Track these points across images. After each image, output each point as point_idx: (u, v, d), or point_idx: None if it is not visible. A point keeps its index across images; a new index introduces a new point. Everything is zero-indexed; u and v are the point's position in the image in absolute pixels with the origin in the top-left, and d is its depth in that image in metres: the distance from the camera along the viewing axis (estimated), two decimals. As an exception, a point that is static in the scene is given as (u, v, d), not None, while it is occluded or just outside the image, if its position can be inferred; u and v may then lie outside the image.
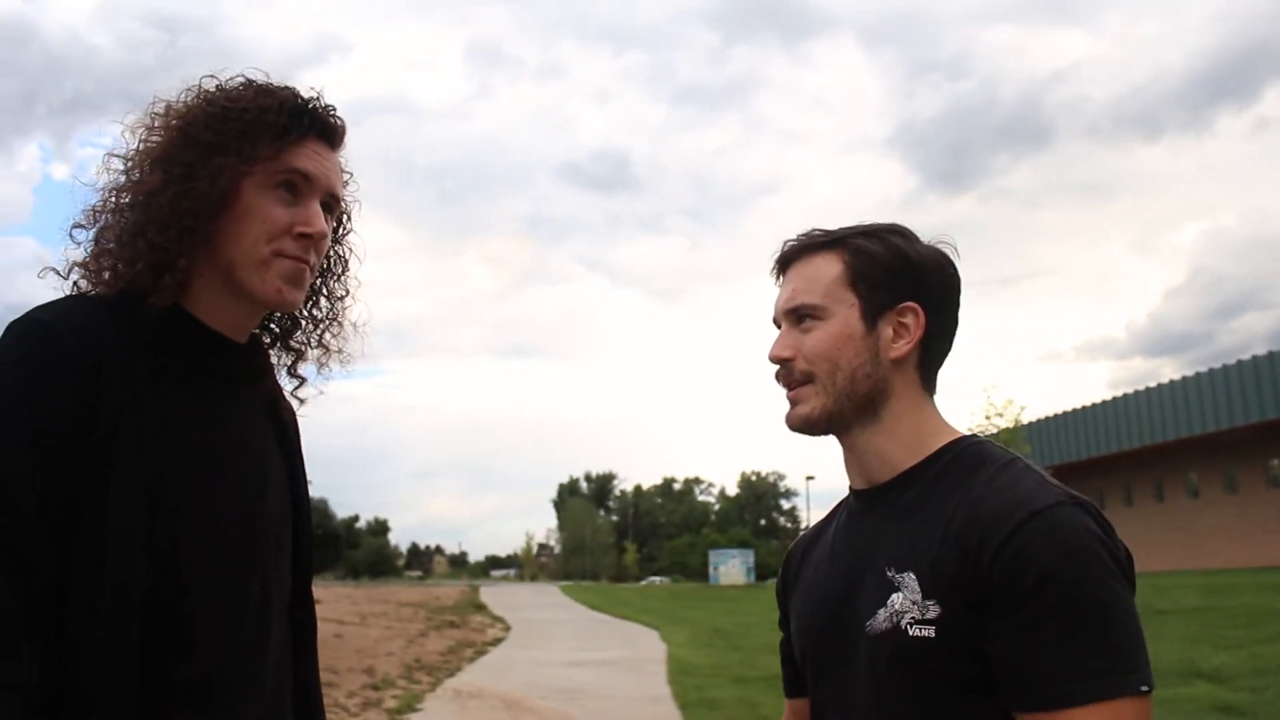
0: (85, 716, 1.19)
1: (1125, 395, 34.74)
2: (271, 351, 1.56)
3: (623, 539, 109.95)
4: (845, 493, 1.56)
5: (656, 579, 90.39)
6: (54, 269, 1.40)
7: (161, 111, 1.41)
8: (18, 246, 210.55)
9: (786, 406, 1.47)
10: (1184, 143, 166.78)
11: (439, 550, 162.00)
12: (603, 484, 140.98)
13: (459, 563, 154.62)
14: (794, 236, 1.51)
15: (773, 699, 9.27)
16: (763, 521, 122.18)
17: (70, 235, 1.41)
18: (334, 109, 1.46)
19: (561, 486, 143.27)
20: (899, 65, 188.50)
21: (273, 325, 1.57)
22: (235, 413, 1.43)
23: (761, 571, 67.47)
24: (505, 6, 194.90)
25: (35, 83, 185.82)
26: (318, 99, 1.45)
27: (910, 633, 1.30)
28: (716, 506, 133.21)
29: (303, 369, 1.57)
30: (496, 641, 19.88)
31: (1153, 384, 33.64)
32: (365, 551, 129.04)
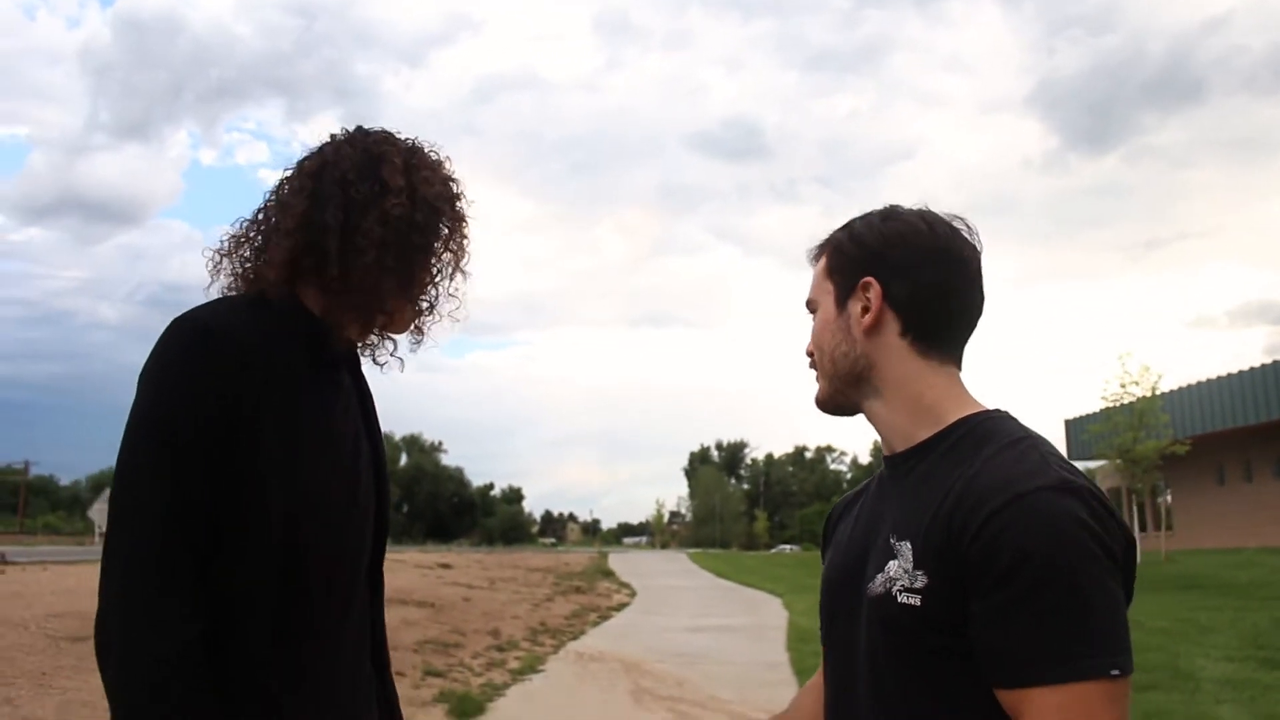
0: (233, 652, 1.44)
1: (1276, 362, 33.12)
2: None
3: (753, 507, 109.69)
4: None
5: (786, 547, 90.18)
6: (217, 251, 1.66)
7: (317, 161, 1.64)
8: (170, 229, 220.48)
9: None
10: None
11: (572, 518, 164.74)
12: (734, 452, 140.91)
13: (591, 530, 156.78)
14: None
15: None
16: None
17: (231, 240, 1.66)
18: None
19: (693, 455, 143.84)
20: (1038, 20, 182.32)
21: None
22: (339, 397, 1.65)
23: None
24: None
25: (183, 73, 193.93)
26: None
27: (899, 600, 1.36)
28: (849, 475, 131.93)
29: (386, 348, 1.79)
30: (621, 607, 20.18)
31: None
32: (500, 519, 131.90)
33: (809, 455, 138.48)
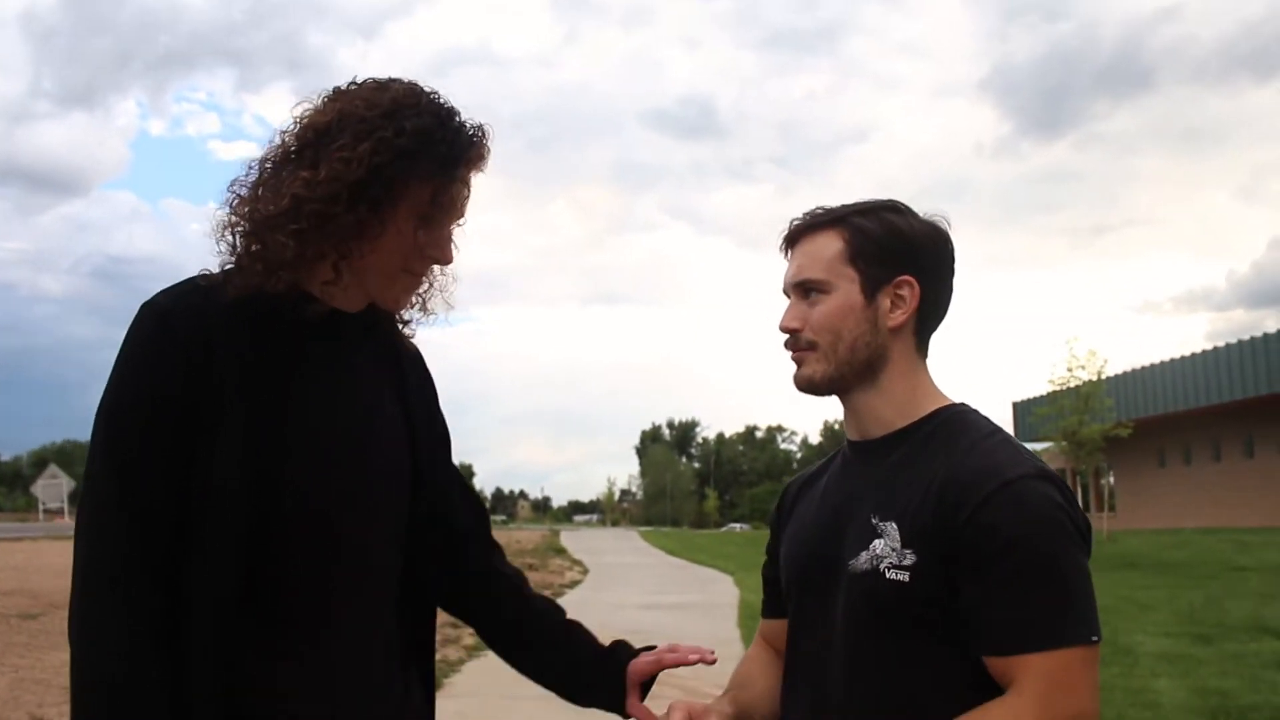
0: (197, 645, 1.40)
1: (1218, 348, 33.82)
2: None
3: (704, 486, 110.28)
4: None
5: (736, 526, 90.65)
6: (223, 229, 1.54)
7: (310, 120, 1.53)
8: (116, 200, 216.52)
9: (793, 369, 1.64)
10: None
11: (523, 495, 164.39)
12: (685, 431, 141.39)
13: (542, 507, 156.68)
14: (800, 216, 1.66)
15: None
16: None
17: (226, 208, 1.55)
18: (482, 134, 1.59)
19: (644, 433, 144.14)
20: (993, 6, 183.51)
21: None
22: (346, 369, 1.59)
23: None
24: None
25: (130, 40, 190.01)
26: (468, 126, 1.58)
27: (887, 576, 1.47)
28: (799, 455, 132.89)
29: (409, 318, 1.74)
30: (574, 584, 20.21)
31: (1248, 336, 32.66)
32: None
33: (759, 435, 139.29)
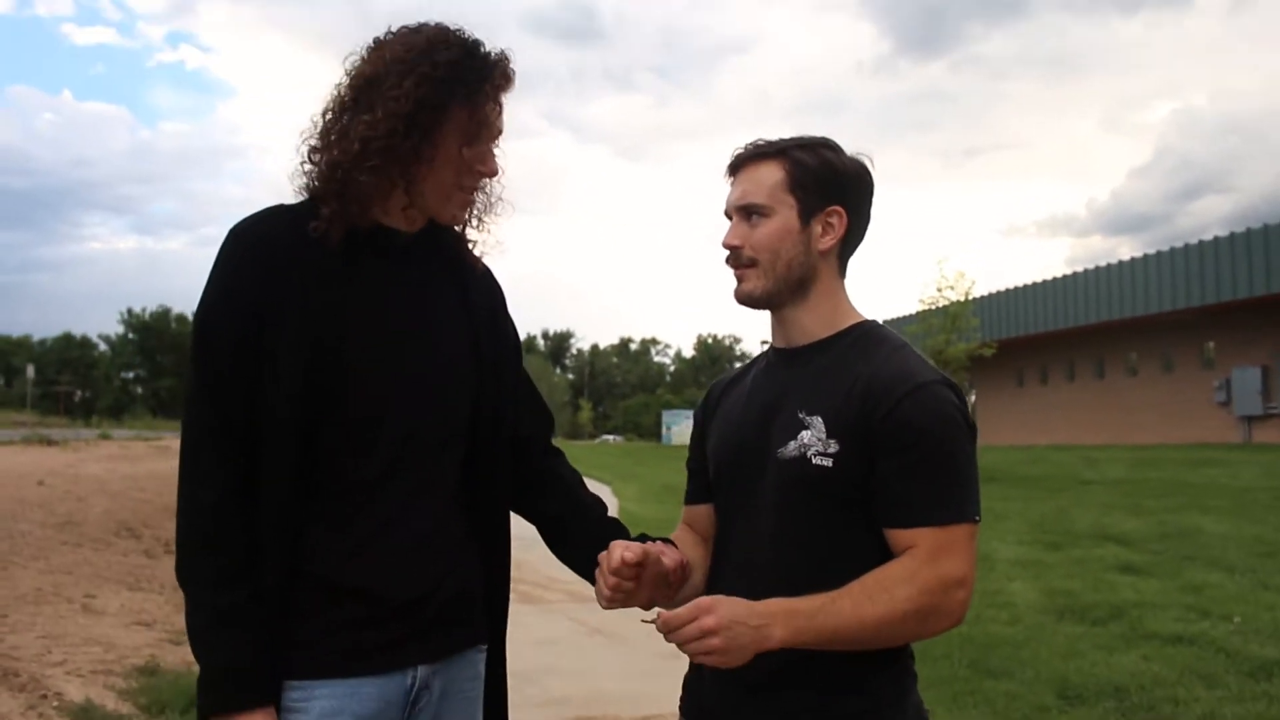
0: (265, 510, 1.68)
1: (1074, 274, 35.09)
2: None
3: (578, 397, 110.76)
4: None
5: (610, 437, 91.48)
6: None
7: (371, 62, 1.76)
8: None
9: (734, 284, 1.87)
10: (1163, 17, 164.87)
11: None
12: (560, 342, 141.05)
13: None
14: (743, 146, 1.88)
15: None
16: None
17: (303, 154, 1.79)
18: (505, 59, 1.81)
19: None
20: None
21: None
22: (408, 281, 1.83)
23: (713, 433, 68.00)
24: None
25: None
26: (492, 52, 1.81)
27: (814, 462, 1.73)
28: (672, 368, 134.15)
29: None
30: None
31: (1104, 263, 34.05)
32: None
33: (634, 347, 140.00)
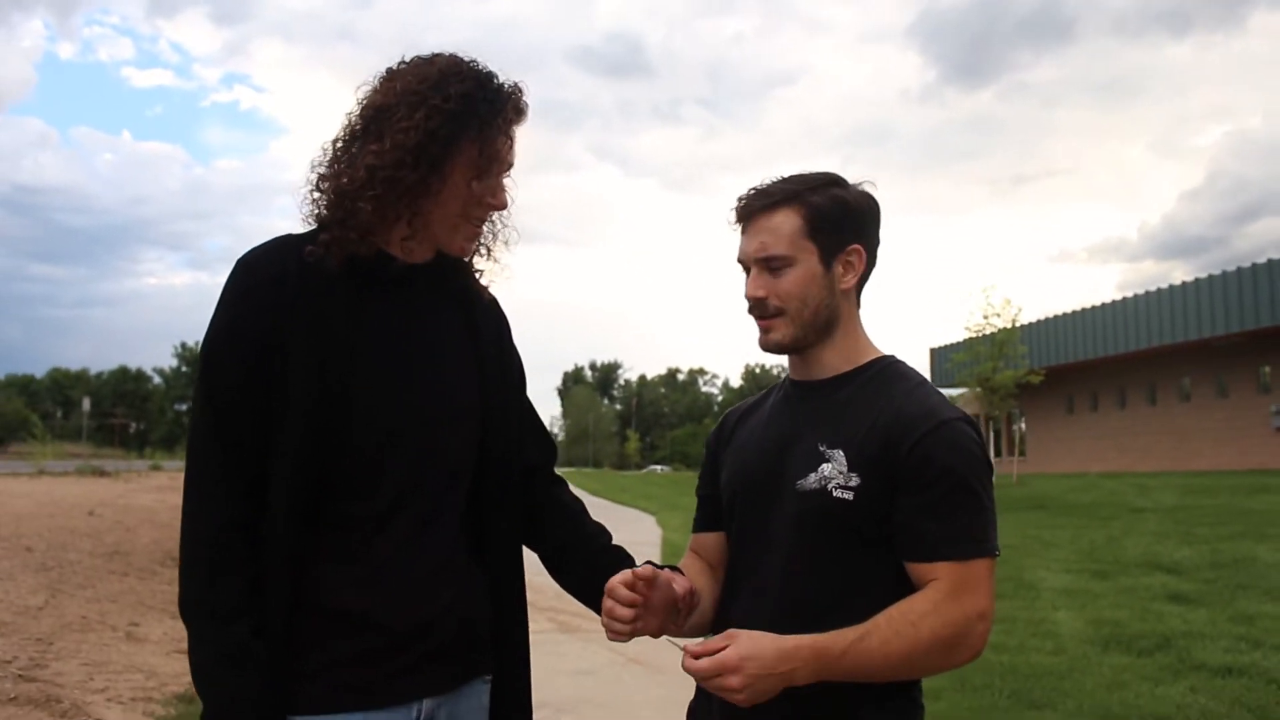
0: (271, 542, 1.66)
1: (1125, 299, 34.73)
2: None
3: (625, 428, 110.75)
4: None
5: (657, 467, 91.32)
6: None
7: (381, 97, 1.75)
8: (23, 126, 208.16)
9: (758, 333, 1.87)
10: (1213, 39, 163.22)
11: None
12: (607, 373, 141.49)
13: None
14: (750, 191, 1.86)
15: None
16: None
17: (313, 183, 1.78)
18: (520, 91, 1.81)
19: (566, 374, 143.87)
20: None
21: None
22: (416, 312, 1.81)
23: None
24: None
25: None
26: (506, 84, 1.80)
27: (835, 495, 1.74)
28: (720, 398, 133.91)
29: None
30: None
31: (1153, 289, 33.60)
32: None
33: (681, 377, 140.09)
